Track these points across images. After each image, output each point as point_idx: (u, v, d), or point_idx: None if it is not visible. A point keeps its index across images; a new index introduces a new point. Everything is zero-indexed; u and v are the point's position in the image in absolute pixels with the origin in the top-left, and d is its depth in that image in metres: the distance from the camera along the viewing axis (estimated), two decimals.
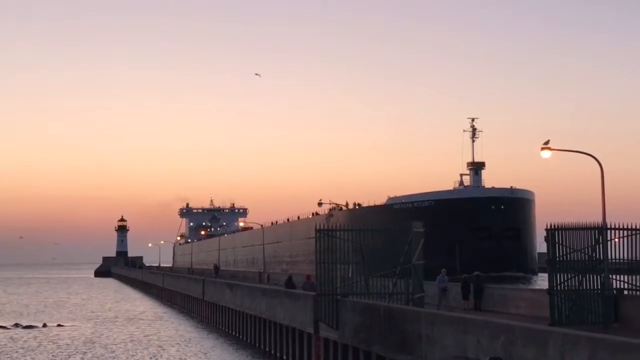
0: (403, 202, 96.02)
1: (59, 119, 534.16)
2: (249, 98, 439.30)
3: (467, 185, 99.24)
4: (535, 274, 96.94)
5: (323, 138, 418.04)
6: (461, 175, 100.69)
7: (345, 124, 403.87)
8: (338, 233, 25.65)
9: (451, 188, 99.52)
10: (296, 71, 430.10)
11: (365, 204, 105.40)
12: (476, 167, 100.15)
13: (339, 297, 25.36)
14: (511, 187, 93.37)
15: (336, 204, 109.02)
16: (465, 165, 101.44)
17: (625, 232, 26.43)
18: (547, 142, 31.16)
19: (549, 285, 25.45)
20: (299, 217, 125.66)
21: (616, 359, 12.46)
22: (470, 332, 16.96)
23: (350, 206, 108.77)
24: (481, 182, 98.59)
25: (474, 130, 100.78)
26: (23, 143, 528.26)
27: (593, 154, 29.56)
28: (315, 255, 25.42)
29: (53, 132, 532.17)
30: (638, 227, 26.38)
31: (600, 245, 25.94)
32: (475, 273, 35.16)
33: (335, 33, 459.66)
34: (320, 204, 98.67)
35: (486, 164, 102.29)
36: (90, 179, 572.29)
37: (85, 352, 37.60)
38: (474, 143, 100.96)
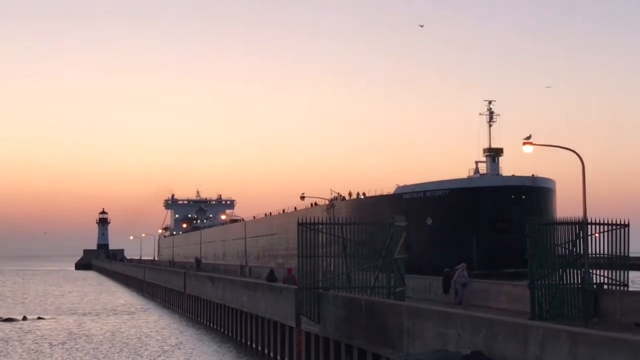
0: (414, 192, 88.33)
1: (41, 111, 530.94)
2: (237, 86, 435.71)
3: (484, 174, 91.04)
4: None
5: (321, 126, 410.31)
6: (476, 162, 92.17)
7: (346, 109, 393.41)
8: (320, 227, 25.65)
9: (465, 177, 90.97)
10: (295, 55, 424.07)
11: (371, 194, 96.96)
12: (493, 154, 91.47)
13: (320, 290, 25.37)
14: (533, 175, 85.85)
15: (338, 194, 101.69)
16: (481, 151, 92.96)
17: (606, 227, 26.66)
18: (528, 137, 31.27)
19: (530, 279, 25.61)
20: (295, 208, 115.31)
21: (596, 353, 12.54)
22: (451, 326, 17.01)
23: (354, 196, 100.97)
24: (499, 170, 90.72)
25: (490, 114, 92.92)
26: (3, 135, 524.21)
27: (576, 150, 29.64)
28: (297, 248, 25.42)
29: (34, 123, 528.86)
30: (618, 222, 26.61)
31: (581, 240, 26.15)
32: (457, 267, 35.22)
33: (339, 14, 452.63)
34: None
35: (504, 151, 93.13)
36: (71, 171, 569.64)
37: (66, 345, 37.40)
38: (491, 128, 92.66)
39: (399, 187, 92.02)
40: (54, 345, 37.56)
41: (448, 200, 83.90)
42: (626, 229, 26.51)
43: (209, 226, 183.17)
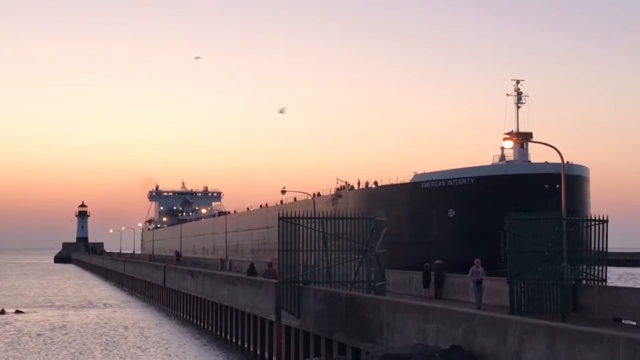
0: (434, 180, 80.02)
1: (19, 102, 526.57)
2: (226, 72, 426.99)
3: (510, 160, 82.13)
4: None
5: (323, 111, 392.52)
6: (502, 148, 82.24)
7: (352, 92, 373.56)
8: (301, 221, 25.64)
9: (489, 163, 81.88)
10: (300, 32, 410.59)
11: (385, 183, 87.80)
12: (522, 139, 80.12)
13: (301, 284, 25.38)
14: (567, 162, 75.71)
15: (346, 183, 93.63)
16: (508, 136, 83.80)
17: (585, 223, 26.87)
18: (510, 132, 31.38)
19: (509, 274, 25.76)
20: (295, 199, 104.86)
21: (573, 348, 12.62)
22: (431, 321, 17.06)
23: (363, 185, 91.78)
24: (527, 156, 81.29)
25: (519, 94, 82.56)
26: None
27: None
28: (277, 242, 25.40)
29: (12, 115, 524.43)
30: (597, 218, 26.82)
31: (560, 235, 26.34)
32: (437, 262, 35.41)
33: None
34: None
35: (533, 135, 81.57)
36: (51, 164, 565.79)
37: (45, 338, 37.18)
38: (519, 110, 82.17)
39: (416, 175, 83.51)
40: (33, 338, 37.34)
41: (473, 190, 76.10)
42: (605, 224, 26.74)
43: (196, 219, 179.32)
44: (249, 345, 31.97)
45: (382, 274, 26.58)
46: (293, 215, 25.54)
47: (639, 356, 11.29)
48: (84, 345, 35.10)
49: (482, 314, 16.30)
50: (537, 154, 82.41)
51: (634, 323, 23.57)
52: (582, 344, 12.47)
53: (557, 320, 21.66)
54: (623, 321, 24.19)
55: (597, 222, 26.72)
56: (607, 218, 26.76)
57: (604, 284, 26.61)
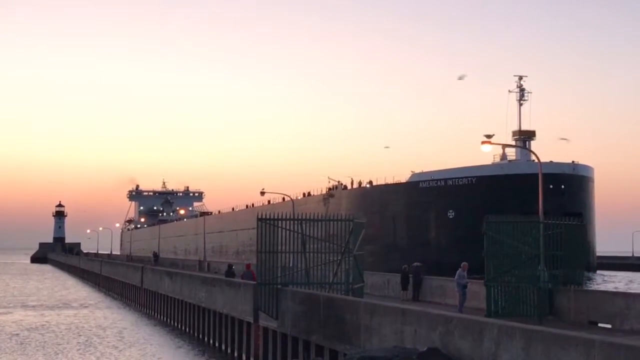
0: (432, 179, 77.27)
1: None
2: (212, 66, 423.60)
3: (513, 160, 79.29)
4: (594, 270, 77.82)
5: (313, 107, 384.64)
6: (503, 146, 79.79)
7: (346, 88, 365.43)
8: (280, 222, 25.64)
9: (490, 163, 79.09)
10: (291, 27, 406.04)
11: (380, 183, 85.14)
12: (525, 137, 78.91)
13: (279, 286, 25.36)
14: (573, 161, 75.41)
15: (338, 182, 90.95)
16: (510, 135, 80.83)
17: (563, 226, 27.05)
18: (490, 136, 31.58)
19: (486, 277, 25.89)
20: (284, 199, 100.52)
21: (549, 350, 12.71)
22: (408, 323, 17.11)
23: (356, 185, 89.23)
24: (530, 155, 76.40)
25: (521, 91, 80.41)
26: None
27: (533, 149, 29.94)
28: (256, 244, 25.38)
29: None
30: (574, 221, 27.04)
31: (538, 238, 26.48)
32: (415, 264, 35.53)
33: None
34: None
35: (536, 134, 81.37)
36: (28, 162, 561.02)
37: (19, 338, 36.87)
38: (522, 107, 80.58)
39: (414, 174, 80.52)
40: (9, 338, 37.00)
41: (474, 190, 73.58)
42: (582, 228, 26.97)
43: (177, 219, 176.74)
44: (226, 347, 31.88)
45: (360, 275, 26.62)
46: (272, 217, 25.56)
47: (613, 359, 11.39)
48: (59, 345, 34.84)
49: (459, 316, 16.38)
50: (541, 154, 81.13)
51: (610, 326, 23.78)
52: (557, 346, 12.56)
53: (534, 323, 21.81)
54: (599, 324, 24.39)
55: (574, 226, 26.93)
56: (585, 221, 27.00)
57: (580, 287, 26.83)
